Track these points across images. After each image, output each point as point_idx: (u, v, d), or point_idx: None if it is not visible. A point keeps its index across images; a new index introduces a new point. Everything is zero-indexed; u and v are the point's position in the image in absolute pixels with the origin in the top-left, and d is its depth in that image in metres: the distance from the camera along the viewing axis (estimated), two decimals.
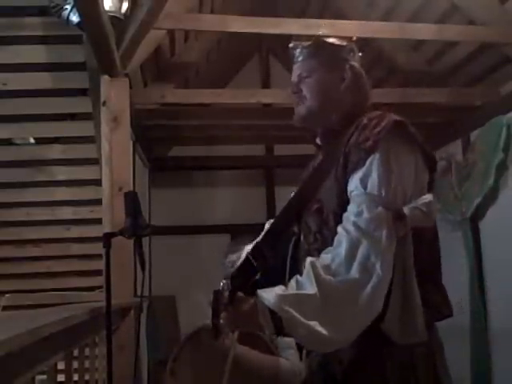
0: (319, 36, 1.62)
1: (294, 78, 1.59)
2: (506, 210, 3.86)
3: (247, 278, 1.36)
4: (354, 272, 1.26)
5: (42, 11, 3.40)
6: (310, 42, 1.58)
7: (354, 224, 1.31)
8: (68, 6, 2.88)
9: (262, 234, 1.50)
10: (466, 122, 4.49)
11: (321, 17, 4.59)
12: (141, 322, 3.68)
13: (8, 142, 4.02)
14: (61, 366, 1.89)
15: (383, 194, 1.33)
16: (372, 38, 4.23)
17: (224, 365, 2.05)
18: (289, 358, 2.22)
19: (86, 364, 2.30)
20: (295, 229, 1.53)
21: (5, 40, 3.49)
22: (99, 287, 3.84)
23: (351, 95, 1.54)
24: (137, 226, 1.86)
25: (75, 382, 2.11)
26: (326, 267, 1.28)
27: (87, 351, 2.34)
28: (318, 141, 1.66)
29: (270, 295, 1.27)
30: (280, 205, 5.83)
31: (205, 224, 5.70)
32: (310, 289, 1.26)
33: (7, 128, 3.92)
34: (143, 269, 1.86)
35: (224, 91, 4.84)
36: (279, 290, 1.29)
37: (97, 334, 2.40)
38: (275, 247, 1.41)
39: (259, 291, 1.30)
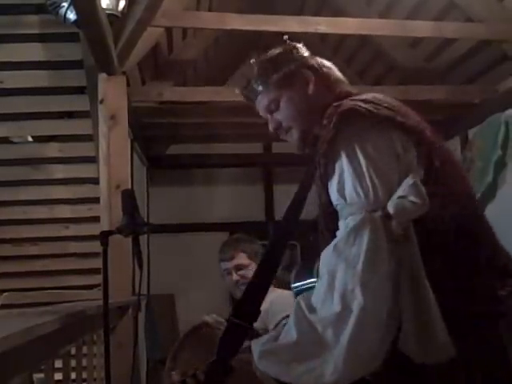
0: (255, 61, 1.56)
1: (265, 114, 1.49)
2: (504, 207, 3.86)
3: (238, 343, 1.25)
4: (335, 305, 1.10)
5: (38, 9, 3.39)
6: (255, 75, 1.51)
7: (334, 246, 1.16)
8: (65, 4, 2.87)
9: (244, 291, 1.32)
10: (464, 120, 4.48)
11: (319, 14, 4.58)
12: (139, 320, 3.67)
13: (5, 141, 4.02)
14: (58, 364, 1.89)
15: (362, 197, 1.16)
16: (371, 35, 4.22)
17: None
18: None
19: (84, 362, 2.29)
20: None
21: (1, 38, 3.48)
22: (97, 285, 3.84)
23: (324, 90, 1.41)
24: (134, 224, 1.85)
25: (73, 380, 2.11)
26: (310, 306, 1.16)
27: (85, 349, 2.33)
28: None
29: (256, 348, 1.19)
30: (278, 203, 5.87)
31: (203, 222, 5.69)
32: (291, 335, 1.15)
33: (4, 126, 3.92)
34: (140, 267, 1.86)
35: (222, 89, 4.83)
36: (263, 340, 1.20)
37: (94, 332, 2.39)
38: (260, 297, 1.28)
39: (252, 344, 1.21)
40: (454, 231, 1.18)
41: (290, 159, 6.00)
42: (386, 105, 1.25)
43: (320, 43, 5.53)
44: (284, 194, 6.71)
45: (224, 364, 1.26)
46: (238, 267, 2.52)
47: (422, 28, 3.70)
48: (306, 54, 1.53)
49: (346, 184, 1.20)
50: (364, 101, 1.26)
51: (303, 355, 1.12)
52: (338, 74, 1.48)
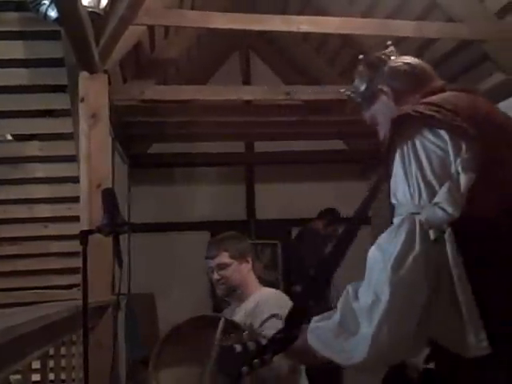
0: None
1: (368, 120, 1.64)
2: None
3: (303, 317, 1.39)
4: (369, 297, 1.21)
5: (19, 6, 3.35)
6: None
7: (377, 242, 1.25)
8: (46, 1, 2.84)
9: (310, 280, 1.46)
10: None
11: (302, 14, 4.59)
12: (119, 319, 3.65)
13: None
14: (36, 365, 1.87)
15: (409, 200, 1.24)
16: (353, 35, 4.24)
17: (206, 361, 2.05)
18: None
19: (63, 363, 2.27)
20: None
21: None
22: (77, 285, 3.81)
23: (401, 100, 1.50)
24: (114, 224, 1.85)
25: (51, 381, 2.09)
26: (355, 293, 1.26)
27: (64, 350, 2.31)
28: None
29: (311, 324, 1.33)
30: (260, 202, 5.88)
31: (184, 221, 5.68)
32: (336, 317, 1.27)
33: None
34: (120, 266, 1.85)
35: (204, 88, 4.83)
36: (318, 317, 1.33)
37: (74, 332, 2.37)
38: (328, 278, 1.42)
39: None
40: (505, 236, 1.21)
41: (272, 158, 6.05)
42: (449, 107, 1.29)
43: (303, 42, 5.55)
44: (265, 193, 6.75)
45: (290, 333, 1.38)
46: (220, 266, 2.51)
47: (403, 28, 3.72)
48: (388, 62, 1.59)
49: (398, 185, 1.28)
50: (426, 104, 1.32)
51: (341, 336, 1.24)
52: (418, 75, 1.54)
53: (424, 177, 1.23)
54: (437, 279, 1.18)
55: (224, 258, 2.51)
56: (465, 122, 1.26)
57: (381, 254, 1.21)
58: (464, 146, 1.23)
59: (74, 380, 2.43)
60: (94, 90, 3.19)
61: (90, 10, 2.77)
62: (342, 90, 1.72)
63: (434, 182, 1.22)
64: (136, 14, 3.04)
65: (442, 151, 1.24)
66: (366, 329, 1.19)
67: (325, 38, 5.07)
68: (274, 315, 2.17)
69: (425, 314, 1.18)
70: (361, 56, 1.65)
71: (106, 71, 3.28)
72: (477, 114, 1.31)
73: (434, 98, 1.36)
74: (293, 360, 1.47)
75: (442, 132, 1.25)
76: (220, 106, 4.73)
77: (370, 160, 6.02)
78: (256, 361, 1.38)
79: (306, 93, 4.31)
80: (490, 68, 3.97)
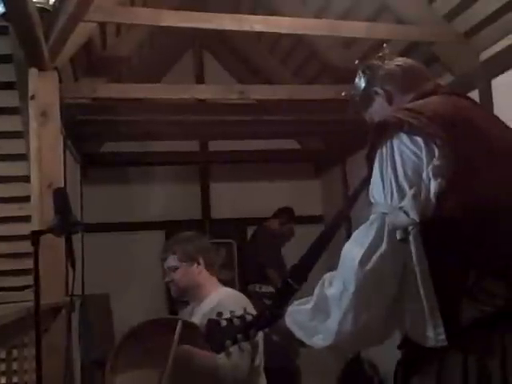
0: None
1: None
2: None
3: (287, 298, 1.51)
4: (339, 286, 1.31)
5: None
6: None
7: (352, 236, 1.34)
8: None
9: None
10: None
11: (254, 13, 4.61)
12: (73, 321, 3.60)
13: None
14: None
15: (382, 200, 1.31)
16: (305, 35, 4.28)
17: (165, 363, 2.04)
18: (227, 352, 2.23)
19: (15, 366, 2.23)
20: None
21: None
22: (31, 286, 3.73)
23: (395, 101, 1.59)
24: (66, 224, 1.82)
25: None
26: (330, 281, 1.36)
27: (15, 353, 2.27)
28: None
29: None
30: (215, 201, 5.88)
31: (139, 221, 5.63)
32: (311, 302, 1.38)
33: None
34: (73, 267, 1.83)
35: (157, 86, 4.80)
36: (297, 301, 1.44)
37: (26, 334, 2.33)
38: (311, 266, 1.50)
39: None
40: (468, 242, 1.26)
41: (227, 157, 6.05)
42: (428, 113, 1.34)
43: (257, 42, 5.58)
44: (220, 192, 6.77)
45: (274, 312, 1.50)
46: (170, 269, 2.53)
47: (354, 29, 3.78)
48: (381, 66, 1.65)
49: (374, 185, 1.34)
50: (407, 109, 1.38)
51: (314, 321, 1.36)
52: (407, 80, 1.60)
53: (397, 180, 1.29)
54: (403, 275, 1.27)
55: (172, 260, 2.52)
56: (441, 129, 1.30)
57: (352, 248, 1.31)
58: (437, 153, 1.27)
59: (26, 383, 2.38)
60: (44, 88, 3.14)
61: (39, 5, 2.72)
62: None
63: (405, 186, 1.28)
64: (86, 11, 2.99)
65: (416, 157, 1.29)
66: (335, 316, 1.30)
67: (278, 37, 5.10)
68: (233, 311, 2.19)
69: (392, 306, 1.29)
70: (357, 61, 1.72)
71: (56, 68, 3.22)
72: (456, 121, 1.36)
73: (417, 104, 1.44)
74: (277, 338, 1.53)
75: (418, 138, 1.30)
76: (173, 104, 4.71)
77: (324, 159, 6.12)
78: (240, 335, 1.51)
79: (259, 92, 4.33)
80: (438, 70, 4.07)
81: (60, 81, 3.31)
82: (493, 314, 1.21)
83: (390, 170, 1.31)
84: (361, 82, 1.66)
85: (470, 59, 3.77)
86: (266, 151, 5.72)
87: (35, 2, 2.66)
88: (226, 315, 1.57)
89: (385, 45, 1.73)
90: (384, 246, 1.26)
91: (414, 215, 1.23)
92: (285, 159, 5.96)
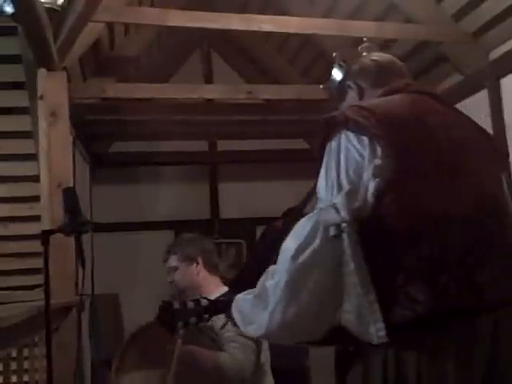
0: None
1: None
2: None
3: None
4: (274, 278, 1.33)
5: None
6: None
7: (293, 229, 1.34)
8: None
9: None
10: None
11: (262, 13, 4.61)
12: (82, 320, 3.61)
13: None
14: None
15: (324, 195, 1.32)
16: (313, 35, 4.28)
17: (169, 363, 2.05)
18: (231, 351, 2.25)
19: (26, 365, 2.24)
20: None
21: None
22: (41, 286, 3.75)
23: (365, 95, 1.61)
24: (76, 223, 1.83)
25: (14, 383, 2.06)
26: (272, 272, 1.36)
27: (26, 352, 2.28)
28: None
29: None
30: (223, 201, 5.88)
31: (148, 220, 5.64)
32: (254, 292, 1.41)
33: None
34: (83, 266, 1.84)
35: (166, 86, 4.80)
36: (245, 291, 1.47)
37: (36, 333, 2.34)
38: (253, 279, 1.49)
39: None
40: (401, 243, 1.25)
41: (235, 157, 6.05)
42: (379, 111, 1.33)
43: (264, 42, 5.58)
44: (229, 192, 6.75)
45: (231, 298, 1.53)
46: (171, 269, 2.58)
47: (363, 28, 3.77)
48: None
49: (320, 181, 1.35)
50: (358, 107, 1.37)
51: (255, 310, 1.39)
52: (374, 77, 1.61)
53: (338, 177, 1.29)
54: (341, 272, 1.25)
55: (172, 261, 2.59)
56: (388, 129, 1.29)
57: (289, 241, 1.31)
58: (379, 153, 1.27)
59: (37, 382, 2.40)
60: (52, 88, 3.15)
61: (47, 5, 2.73)
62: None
63: (345, 184, 1.28)
64: (94, 11, 3.00)
65: (360, 156, 1.29)
66: (269, 306, 1.32)
67: (286, 37, 5.10)
68: None
69: (326, 302, 1.27)
70: (334, 54, 1.74)
71: (65, 68, 3.23)
72: (408, 123, 1.34)
73: (373, 101, 1.44)
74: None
75: (364, 137, 1.29)
76: (182, 104, 4.72)
77: None
78: (193, 318, 1.56)
79: (267, 92, 4.33)
80: (447, 69, 4.06)
81: (69, 81, 3.32)
82: (412, 319, 1.20)
83: (333, 166, 1.31)
84: (336, 75, 1.69)
85: (478, 59, 3.76)
86: (274, 151, 5.71)
87: (44, 3, 2.67)
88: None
89: (364, 38, 1.76)
90: (317, 241, 1.25)
91: (344, 213, 1.23)
92: (293, 159, 5.94)
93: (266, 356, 2.43)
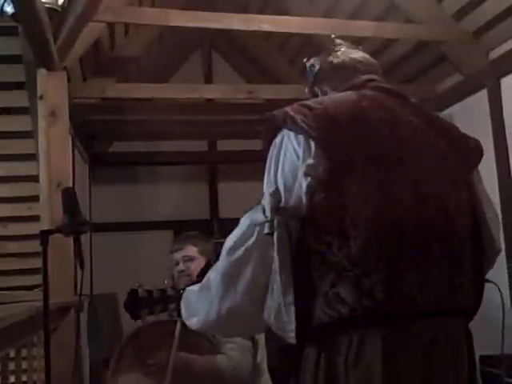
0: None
1: None
2: None
3: None
4: (213, 273, 1.37)
5: None
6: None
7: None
8: None
9: None
10: None
11: (263, 13, 4.61)
12: (81, 320, 3.61)
13: None
14: None
15: (262, 193, 1.33)
16: (313, 35, 4.27)
17: (165, 367, 2.05)
18: (227, 352, 2.25)
19: (24, 365, 2.24)
20: None
21: None
22: (40, 286, 3.75)
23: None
24: (75, 223, 1.83)
25: (12, 383, 2.05)
26: (216, 267, 1.39)
27: (25, 352, 2.28)
28: None
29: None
30: (223, 200, 5.87)
31: (147, 220, 5.64)
32: (199, 285, 1.44)
33: None
34: (82, 266, 1.83)
35: (166, 86, 4.80)
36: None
37: (35, 334, 2.34)
38: None
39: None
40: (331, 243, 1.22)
41: (235, 157, 6.04)
42: (318, 109, 1.29)
43: (265, 41, 5.57)
44: (228, 192, 6.75)
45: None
46: (186, 258, 2.55)
47: (363, 28, 3.77)
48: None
49: (264, 178, 1.34)
50: (300, 104, 1.33)
51: (197, 302, 1.43)
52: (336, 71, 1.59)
53: (275, 176, 1.29)
54: (269, 268, 1.25)
55: (191, 251, 2.56)
56: (324, 126, 1.26)
57: (229, 237, 1.35)
58: (313, 151, 1.24)
59: (35, 382, 2.39)
60: (52, 88, 3.14)
61: (48, 5, 2.73)
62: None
63: (279, 182, 1.27)
64: (95, 11, 3.00)
65: (296, 155, 1.26)
66: (207, 302, 1.36)
67: (286, 37, 5.10)
68: None
69: (261, 299, 1.28)
70: (304, 59, 1.73)
71: (65, 68, 3.23)
72: (347, 120, 1.29)
73: (317, 99, 1.44)
74: None
75: (301, 136, 1.26)
76: (182, 104, 4.71)
77: None
78: (159, 307, 1.60)
79: (267, 92, 4.33)
80: (447, 69, 4.05)
81: (69, 81, 3.32)
82: (338, 320, 1.19)
83: (273, 165, 1.31)
84: (308, 80, 1.70)
85: (478, 58, 3.76)
86: None
87: (44, 3, 2.67)
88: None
89: (332, 36, 1.75)
90: (252, 238, 1.28)
91: (268, 213, 1.24)
92: None
93: (262, 355, 2.42)
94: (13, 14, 2.72)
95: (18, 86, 3.62)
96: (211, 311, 1.35)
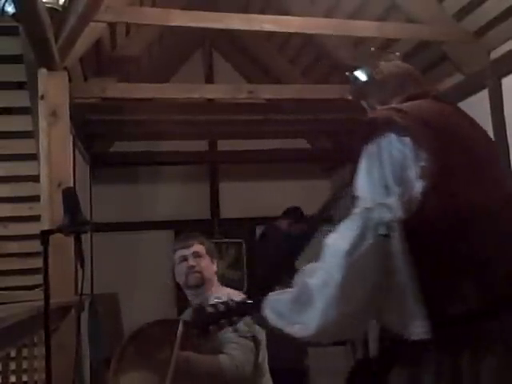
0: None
1: None
2: None
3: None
4: (320, 277, 1.33)
5: None
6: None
7: (337, 228, 1.36)
8: None
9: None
10: None
11: (264, 13, 4.60)
12: (82, 320, 3.61)
13: None
14: None
15: (364, 194, 1.36)
16: (315, 35, 4.27)
17: (167, 367, 2.04)
18: (230, 352, 2.25)
19: (24, 365, 2.24)
20: None
21: None
22: (41, 286, 3.75)
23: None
24: (76, 223, 1.83)
25: (12, 383, 2.05)
26: (311, 271, 1.37)
27: (25, 352, 2.28)
28: None
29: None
30: (224, 200, 5.88)
31: (148, 220, 5.64)
32: (292, 292, 1.40)
33: None
34: (82, 266, 1.83)
35: (167, 86, 4.80)
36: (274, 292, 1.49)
37: (35, 333, 2.34)
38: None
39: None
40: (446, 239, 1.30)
41: (236, 157, 6.05)
42: (415, 113, 1.39)
43: (266, 41, 5.57)
44: (229, 192, 6.75)
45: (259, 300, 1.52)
46: (196, 254, 2.54)
47: (364, 28, 3.77)
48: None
49: (360, 180, 1.38)
50: (395, 109, 1.42)
51: (295, 310, 1.38)
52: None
53: (383, 177, 1.33)
54: (387, 269, 1.28)
55: (200, 248, 2.56)
56: (426, 131, 1.34)
57: (336, 241, 1.32)
58: (424, 155, 1.31)
59: (36, 382, 2.39)
60: (53, 88, 3.14)
61: (49, 5, 2.73)
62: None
63: (391, 184, 1.31)
64: (96, 11, 3.00)
65: (403, 156, 1.33)
66: (319, 305, 1.31)
67: (287, 37, 5.09)
68: None
69: (374, 298, 1.29)
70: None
71: (65, 68, 3.23)
72: (441, 126, 1.40)
73: (404, 105, 1.47)
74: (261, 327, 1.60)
75: (406, 138, 1.33)
76: (183, 104, 4.71)
77: (333, 159, 6.10)
78: (223, 321, 1.56)
79: (268, 92, 4.33)
80: (448, 69, 4.05)
81: (70, 81, 3.32)
82: (464, 314, 1.25)
83: (376, 167, 1.34)
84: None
85: (479, 58, 3.75)
86: (275, 151, 5.71)
87: (45, 3, 2.67)
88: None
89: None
90: (368, 240, 1.27)
91: (398, 212, 1.27)
92: (294, 159, 5.94)
93: (263, 356, 2.43)
94: (14, 14, 2.72)
95: (19, 85, 3.63)
96: (328, 317, 1.30)
